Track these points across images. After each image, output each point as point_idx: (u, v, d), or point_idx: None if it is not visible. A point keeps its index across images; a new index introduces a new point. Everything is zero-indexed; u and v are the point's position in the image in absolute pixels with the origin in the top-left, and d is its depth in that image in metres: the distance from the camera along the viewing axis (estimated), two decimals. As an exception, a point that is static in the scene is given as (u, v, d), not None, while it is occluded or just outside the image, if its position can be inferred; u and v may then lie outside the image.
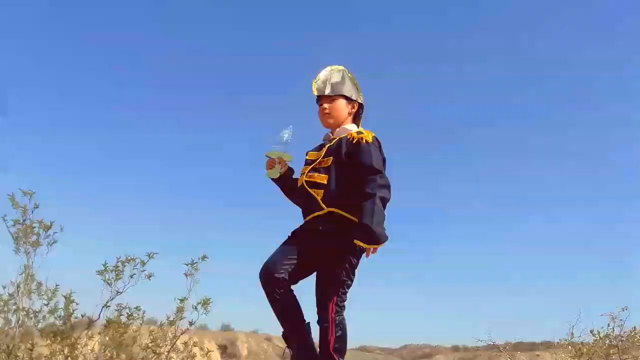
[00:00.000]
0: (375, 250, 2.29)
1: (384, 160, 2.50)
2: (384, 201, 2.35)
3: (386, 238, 2.30)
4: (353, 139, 2.49)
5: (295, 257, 2.38)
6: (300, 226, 2.55)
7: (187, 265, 5.05)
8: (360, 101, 2.71)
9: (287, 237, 2.53)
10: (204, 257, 5.12)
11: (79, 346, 4.65)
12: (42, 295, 4.83)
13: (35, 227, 4.59)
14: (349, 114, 2.67)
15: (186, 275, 5.03)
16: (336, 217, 2.38)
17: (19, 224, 4.53)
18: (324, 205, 2.39)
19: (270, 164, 2.75)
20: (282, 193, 2.78)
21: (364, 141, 2.46)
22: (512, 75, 41.00)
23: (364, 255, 2.35)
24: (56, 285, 4.96)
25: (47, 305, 4.88)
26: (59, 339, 4.56)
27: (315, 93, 2.67)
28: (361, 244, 2.25)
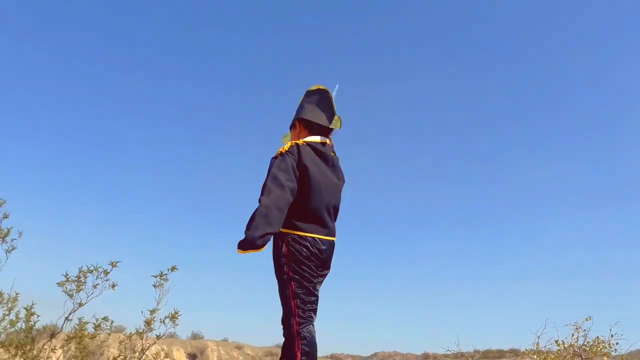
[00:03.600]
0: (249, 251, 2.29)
1: (297, 165, 2.49)
2: (264, 202, 2.34)
3: (258, 246, 2.28)
4: None
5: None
6: None
7: (155, 277, 4.93)
8: (299, 117, 2.74)
9: None
10: (173, 268, 5.02)
11: (41, 358, 4.52)
12: (3, 304, 4.71)
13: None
14: (298, 134, 2.74)
15: (155, 286, 4.92)
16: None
17: None
18: None
19: None
20: None
21: (275, 156, 2.52)
22: (515, 77, 41.12)
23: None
24: (16, 294, 4.86)
25: (7, 315, 4.76)
26: (21, 351, 4.44)
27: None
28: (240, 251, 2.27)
